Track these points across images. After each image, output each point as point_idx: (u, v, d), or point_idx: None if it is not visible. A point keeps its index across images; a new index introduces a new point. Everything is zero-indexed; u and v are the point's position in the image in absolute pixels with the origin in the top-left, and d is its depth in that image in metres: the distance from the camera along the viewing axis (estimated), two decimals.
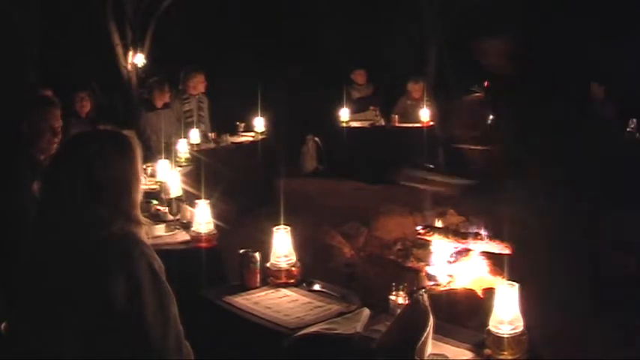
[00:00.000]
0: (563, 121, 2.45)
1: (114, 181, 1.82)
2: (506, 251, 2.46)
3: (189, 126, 6.43)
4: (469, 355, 1.95)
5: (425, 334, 1.86)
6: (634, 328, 3.70)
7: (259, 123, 7.03)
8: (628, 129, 6.81)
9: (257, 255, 2.55)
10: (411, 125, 7.77)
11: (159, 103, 6.39)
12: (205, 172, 4.92)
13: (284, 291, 2.50)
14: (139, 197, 1.90)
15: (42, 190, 1.91)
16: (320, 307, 2.33)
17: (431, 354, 1.92)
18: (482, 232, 2.92)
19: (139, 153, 1.91)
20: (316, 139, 8.39)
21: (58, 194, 1.81)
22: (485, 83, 2.69)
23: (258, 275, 2.55)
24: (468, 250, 3.03)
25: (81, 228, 1.77)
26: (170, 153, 5.36)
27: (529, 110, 2.55)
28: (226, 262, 3.02)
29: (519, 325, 1.88)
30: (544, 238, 2.52)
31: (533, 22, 2.71)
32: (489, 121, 4.20)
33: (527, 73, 2.53)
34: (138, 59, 8.40)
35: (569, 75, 2.50)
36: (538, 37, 2.57)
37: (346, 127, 8.06)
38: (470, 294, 4.04)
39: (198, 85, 6.71)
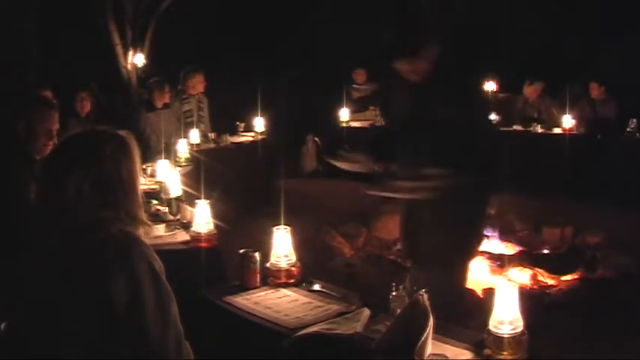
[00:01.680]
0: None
1: (121, 182, 1.83)
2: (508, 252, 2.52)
3: (188, 126, 6.43)
4: (469, 355, 1.95)
5: (425, 335, 1.86)
6: (634, 328, 3.70)
7: (259, 123, 7.03)
8: (628, 129, 6.82)
9: (257, 255, 2.55)
10: None
11: (159, 104, 6.39)
12: (205, 172, 4.92)
13: (284, 291, 2.50)
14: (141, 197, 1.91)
15: (41, 188, 1.89)
16: (320, 307, 2.33)
17: (431, 354, 1.92)
18: (486, 232, 2.94)
19: (138, 153, 1.92)
20: (316, 139, 8.39)
21: (62, 194, 1.80)
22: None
23: (258, 275, 2.55)
24: None
25: (81, 228, 1.77)
26: (170, 153, 5.36)
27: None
28: (226, 262, 3.02)
29: (519, 325, 1.88)
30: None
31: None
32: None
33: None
34: (138, 59, 8.40)
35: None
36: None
37: (346, 127, 8.06)
38: (470, 294, 4.05)
39: (197, 85, 6.72)
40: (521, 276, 4.68)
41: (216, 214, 3.12)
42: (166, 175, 4.11)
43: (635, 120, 6.81)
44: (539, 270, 4.76)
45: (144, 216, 1.90)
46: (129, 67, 8.40)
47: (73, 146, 1.91)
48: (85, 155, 1.85)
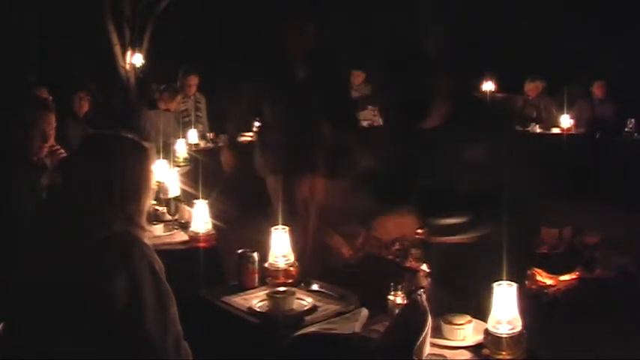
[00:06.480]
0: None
1: (125, 186, 1.83)
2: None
3: (186, 126, 6.44)
4: (468, 355, 1.95)
5: (423, 334, 1.86)
6: (633, 328, 3.70)
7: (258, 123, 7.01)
8: (626, 129, 6.83)
9: (255, 255, 2.55)
10: None
11: (162, 106, 6.39)
12: (203, 172, 4.92)
13: None
14: (148, 205, 1.91)
15: (51, 186, 1.92)
16: (318, 307, 2.33)
17: (429, 354, 1.92)
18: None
19: (153, 162, 1.94)
20: None
21: (70, 191, 1.83)
22: None
23: (257, 275, 2.54)
24: None
25: (82, 227, 1.77)
26: (168, 153, 5.36)
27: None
28: (225, 262, 3.02)
29: (518, 325, 1.88)
30: None
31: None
32: None
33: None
34: (136, 59, 8.39)
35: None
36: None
37: None
38: None
39: (187, 87, 6.71)
40: None
41: (215, 214, 3.12)
42: (165, 175, 4.11)
43: (633, 120, 6.83)
44: (538, 270, 4.75)
45: (144, 222, 1.91)
46: (127, 67, 8.40)
47: (90, 145, 1.95)
48: (94, 157, 1.87)
